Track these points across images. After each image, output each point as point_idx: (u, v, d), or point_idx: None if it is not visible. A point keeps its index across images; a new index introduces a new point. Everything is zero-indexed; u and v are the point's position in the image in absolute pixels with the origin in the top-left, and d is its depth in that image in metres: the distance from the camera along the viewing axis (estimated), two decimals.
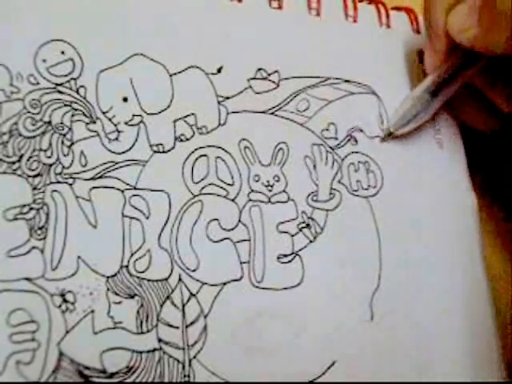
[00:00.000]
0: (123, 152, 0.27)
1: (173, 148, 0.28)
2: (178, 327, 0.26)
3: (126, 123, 0.27)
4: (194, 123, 0.29)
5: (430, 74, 0.32)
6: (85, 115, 0.27)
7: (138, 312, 0.25)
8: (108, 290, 0.25)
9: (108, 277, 0.25)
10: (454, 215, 0.32)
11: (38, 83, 0.26)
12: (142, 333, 0.25)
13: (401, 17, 0.36)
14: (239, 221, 0.28)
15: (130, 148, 0.27)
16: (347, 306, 0.29)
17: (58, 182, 0.26)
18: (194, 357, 0.25)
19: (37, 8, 0.27)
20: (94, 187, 0.26)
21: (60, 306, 0.24)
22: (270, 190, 0.29)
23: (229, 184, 0.28)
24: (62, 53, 0.27)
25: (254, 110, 0.30)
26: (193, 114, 0.29)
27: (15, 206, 0.25)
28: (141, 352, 0.25)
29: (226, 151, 0.29)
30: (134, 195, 0.27)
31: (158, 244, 0.26)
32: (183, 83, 0.29)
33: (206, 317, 0.26)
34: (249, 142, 0.29)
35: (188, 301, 0.26)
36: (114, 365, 0.24)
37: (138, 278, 0.26)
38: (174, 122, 0.28)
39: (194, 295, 0.26)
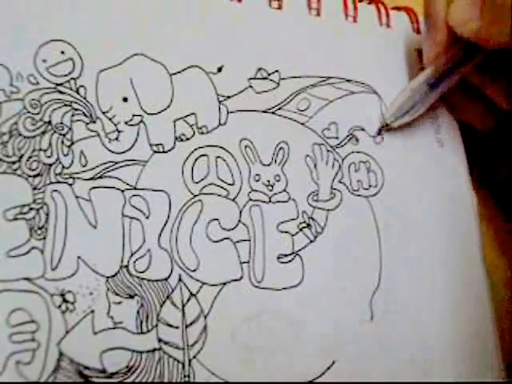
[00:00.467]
0: (123, 152, 0.27)
1: (173, 148, 0.28)
2: (177, 327, 0.26)
3: (126, 123, 0.27)
4: (194, 123, 0.29)
5: (429, 67, 0.32)
6: (85, 115, 0.27)
7: (137, 312, 0.25)
8: (108, 290, 0.25)
9: (108, 277, 0.25)
10: (454, 215, 0.32)
11: (37, 83, 0.26)
12: (142, 333, 0.25)
13: (401, 16, 0.36)
14: (239, 221, 0.28)
15: (130, 148, 0.27)
16: (347, 306, 0.29)
17: (58, 182, 0.26)
18: (194, 357, 0.25)
19: (37, 8, 0.27)
20: (93, 187, 0.26)
21: (60, 306, 0.24)
22: (271, 190, 0.29)
23: (229, 184, 0.28)
24: (62, 53, 0.27)
25: (254, 109, 0.30)
26: (193, 113, 0.29)
27: (15, 205, 0.25)
28: (141, 352, 0.25)
29: (226, 151, 0.29)
30: (134, 195, 0.27)
31: (158, 244, 0.26)
32: (183, 83, 0.29)
33: (205, 317, 0.26)
34: (249, 141, 0.29)
35: (188, 301, 0.26)
36: (113, 365, 0.24)
37: (137, 277, 0.26)
38: (174, 121, 0.28)
39: (194, 295, 0.26)
